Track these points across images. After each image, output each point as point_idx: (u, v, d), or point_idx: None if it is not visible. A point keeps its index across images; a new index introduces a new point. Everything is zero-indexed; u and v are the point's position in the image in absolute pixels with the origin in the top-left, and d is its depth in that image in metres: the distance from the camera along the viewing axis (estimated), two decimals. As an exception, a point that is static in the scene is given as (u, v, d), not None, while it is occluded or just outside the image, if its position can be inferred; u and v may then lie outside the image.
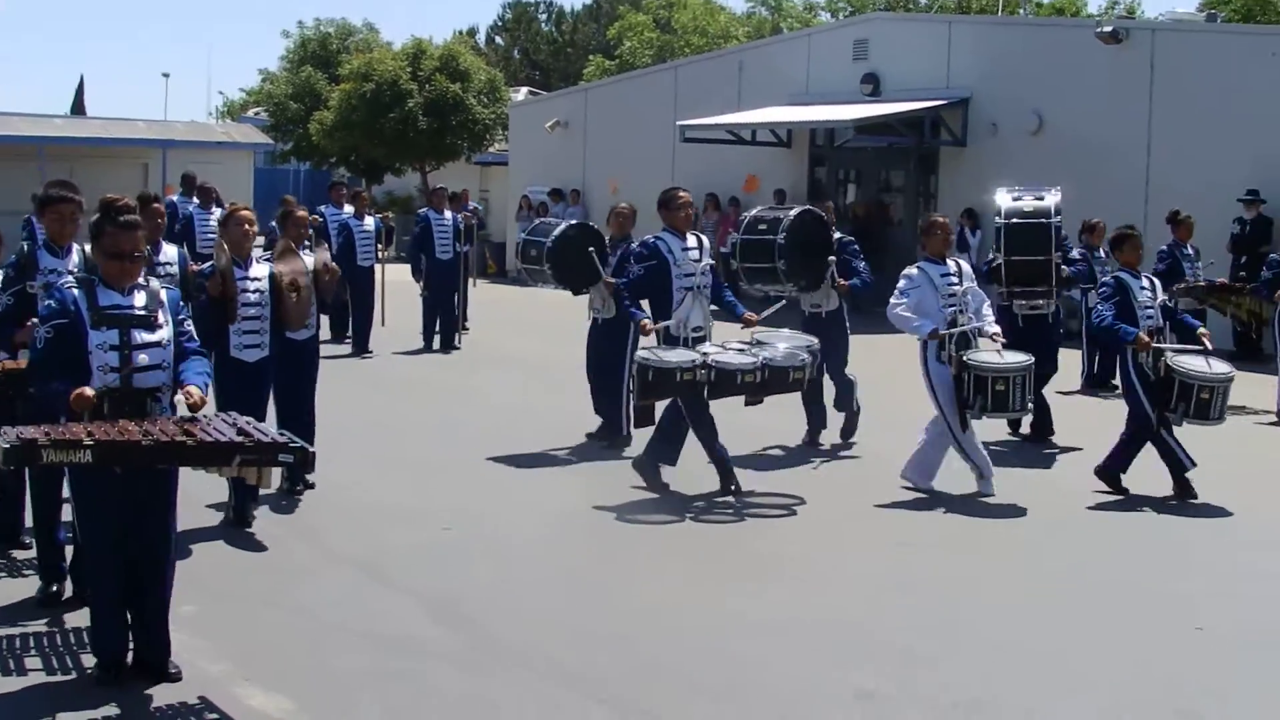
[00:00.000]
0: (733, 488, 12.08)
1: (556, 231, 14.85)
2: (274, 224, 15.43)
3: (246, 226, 10.82)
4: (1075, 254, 16.40)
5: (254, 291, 10.82)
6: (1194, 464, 12.24)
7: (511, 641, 8.40)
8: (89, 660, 7.69)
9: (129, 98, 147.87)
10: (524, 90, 50.94)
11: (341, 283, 13.60)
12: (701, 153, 31.54)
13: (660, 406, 12.26)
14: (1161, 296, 12.70)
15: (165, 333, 7.65)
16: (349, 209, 21.56)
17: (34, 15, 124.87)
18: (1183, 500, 12.14)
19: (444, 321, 21.61)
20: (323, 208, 21.78)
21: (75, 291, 7.52)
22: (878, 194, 30.10)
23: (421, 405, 16.64)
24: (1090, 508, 12.04)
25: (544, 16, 67.22)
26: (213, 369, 10.05)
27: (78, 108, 62.54)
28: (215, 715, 7.18)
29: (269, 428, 7.60)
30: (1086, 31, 25.84)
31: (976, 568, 10.26)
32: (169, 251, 11.54)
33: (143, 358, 7.52)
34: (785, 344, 12.18)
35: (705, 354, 11.71)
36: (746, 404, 12.13)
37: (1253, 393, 16.37)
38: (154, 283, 7.82)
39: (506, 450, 13.84)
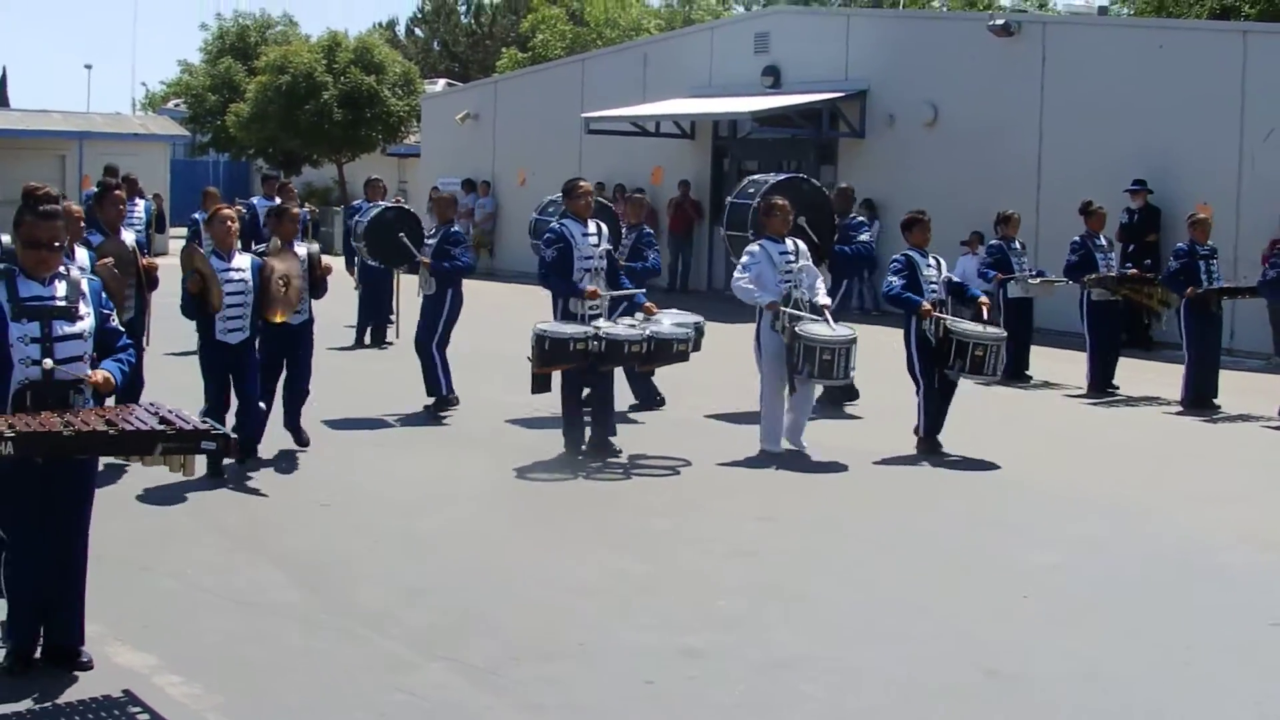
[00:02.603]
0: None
1: (374, 213, 16.66)
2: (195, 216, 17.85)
3: (229, 224, 12.19)
4: (864, 236, 16.61)
5: (236, 280, 12.10)
6: (939, 429, 13.55)
7: (367, 606, 8.93)
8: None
9: (54, 89, 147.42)
10: (442, 82, 51.21)
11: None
12: (609, 144, 32.12)
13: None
14: (946, 273, 13.96)
15: (87, 324, 7.53)
16: (279, 201, 21.71)
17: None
18: (927, 453, 13.45)
19: (377, 317, 21.29)
20: (254, 199, 22.10)
21: None
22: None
23: (344, 394, 16.41)
24: (957, 478, 12.81)
25: (463, 8, 67.49)
26: (199, 349, 12.27)
27: (0, 99, 62.61)
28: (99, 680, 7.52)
29: (191, 415, 7.51)
30: (980, 25, 26.36)
31: (819, 536, 10.90)
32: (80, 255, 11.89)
33: (64, 349, 7.41)
34: (670, 320, 13.48)
35: (597, 327, 12.88)
36: (638, 370, 14.26)
37: (1164, 381, 17.34)
38: (74, 272, 7.73)
39: (408, 430, 14.61)
